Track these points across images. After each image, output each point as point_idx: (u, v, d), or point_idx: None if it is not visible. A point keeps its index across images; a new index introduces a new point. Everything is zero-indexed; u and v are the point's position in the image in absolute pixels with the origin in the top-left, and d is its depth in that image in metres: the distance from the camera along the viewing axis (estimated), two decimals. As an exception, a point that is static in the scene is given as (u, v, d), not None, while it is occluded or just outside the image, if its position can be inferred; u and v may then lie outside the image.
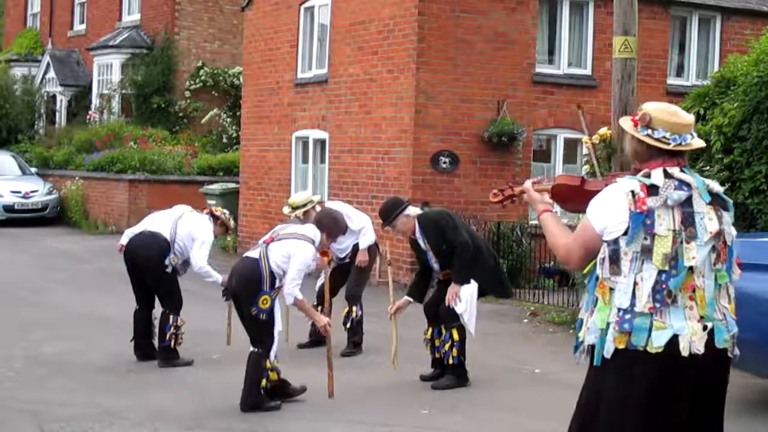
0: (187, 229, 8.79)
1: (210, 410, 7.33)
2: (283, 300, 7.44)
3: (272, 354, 7.36)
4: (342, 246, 9.50)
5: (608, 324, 3.83)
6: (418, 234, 8.32)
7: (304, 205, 9.62)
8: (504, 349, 10.11)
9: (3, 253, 17.45)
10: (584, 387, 4.03)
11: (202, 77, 25.07)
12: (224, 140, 24.01)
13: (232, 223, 9.33)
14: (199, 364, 8.85)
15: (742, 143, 10.33)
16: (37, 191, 22.71)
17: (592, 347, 3.91)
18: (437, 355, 8.36)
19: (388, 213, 8.32)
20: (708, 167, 10.51)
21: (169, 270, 8.74)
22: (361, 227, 9.60)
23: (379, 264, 12.44)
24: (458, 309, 8.11)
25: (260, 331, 7.28)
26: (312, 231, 7.55)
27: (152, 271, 8.73)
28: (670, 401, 3.80)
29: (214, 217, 9.07)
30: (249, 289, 7.23)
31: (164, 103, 24.82)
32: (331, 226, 7.72)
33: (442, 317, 8.22)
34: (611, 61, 11.47)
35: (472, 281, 8.17)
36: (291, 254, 7.29)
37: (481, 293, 8.31)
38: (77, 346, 9.58)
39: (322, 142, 16.56)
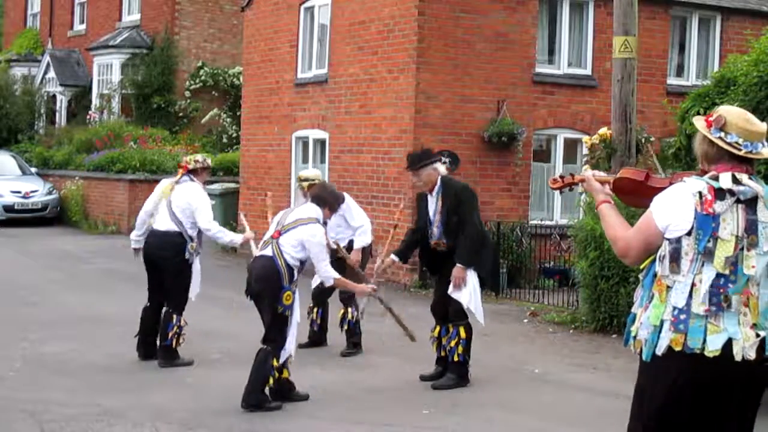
0: (182, 205, 8.76)
1: (210, 410, 7.33)
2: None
3: (286, 352, 7.41)
4: (338, 238, 9.50)
5: (662, 321, 3.86)
6: (435, 192, 8.20)
7: (314, 180, 9.62)
8: (504, 349, 10.11)
9: (3, 253, 17.45)
10: (637, 383, 4.05)
11: (202, 77, 25.08)
12: (224, 140, 24.02)
13: (208, 161, 9.24)
14: (199, 364, 8.85)
15: (742, 143, 10.32)
16: (37, 191, 22.71)
17: (644, 342, 3.93)
18: (443, 353, 8.35)
19: (418, 160, 8.21)
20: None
21: (191, 261, 8.72)
22: (360, 225, 9.59)
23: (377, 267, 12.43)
24: (463, 300, 8.07)
25: (280, 327, 7.32)
26: (313, 210, 7.58)
27: (168, 270, 8.71)
28: (718, 403, 3.84)
29: (193, 172, 9.01)
30: (271, 288, 7.27)
31: (164, 103, 24.83)
32: (330, 199, 7.75)
33: (450, 315, 8.20)
34: (611, 61, 11.49)
35: (472, 272, 8.13)
36: (303, 241, 7.33)
37: (481, 282, 8.26)
38: (77, 346, 9.58)
39: (322, 142, 16.56)
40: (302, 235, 7.35)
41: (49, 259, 16.94)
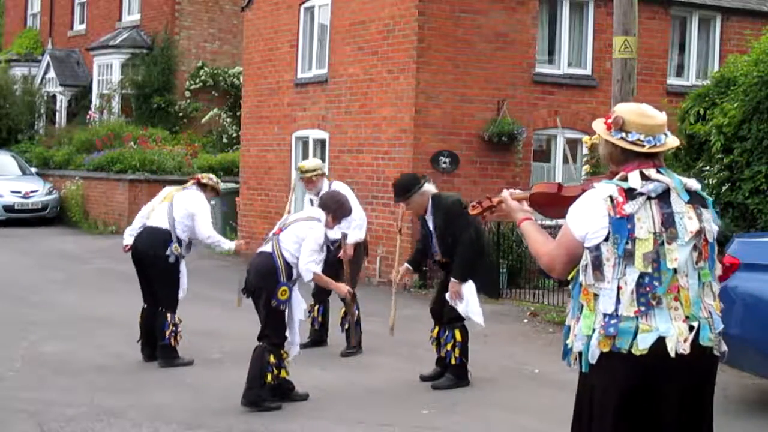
0: (182, 209, 8.83)
1: (210, 410, 7.33)
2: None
3: (294, 346, 7.52)
4: (332, 229, 9.49)
5: (594, 330, 3.82)
6: (429, 213, 8.24)
7: (314, 170, 9.64)
8: (504, 349, 10.10)
9: (3, 253, 17.45)
10: (576, 394, 4.03)
11: (202, 77, 25.08)
12: (224, 140, 24.02)
13: (220, 184, 9.35)
14: (199, 364, 8.85)
15: (742, 143, 10.33)
16: (37, 191, 22.71)
17: (580, 354, 3.89)
18: (442, 354, 8.36)
19: (405, 188, 8.20)
20: (708, 167, 10.51)
21: (171, 260, 8.74)
22: (355, 220, 9.54)
23: (379, 267, 12.44)
24: (459, 309, 8.11)
25: (276, 324, 7.34)
26: (317, 212, 7.66)
27: (155, 266, 8.74)
28: (654, 402, 3.79)
29: (203, 186, 9.10)
30: (268, 282, 7.32)
31: (164, 103, 24.83)
32: (336, 208, 7.80)
33: (445, 317, 8.22)
34: (611, 61, 11.48)
35: (469, 282, 8.16)
36: (301, 237, 7.38)
37: (477, 290, 8.29)
38: (77, 346, 9.58)
39: (322, 142, 16.56)
40: (300, 231, 7.40)
41: (49, 259, 16.94)
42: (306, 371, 8.20)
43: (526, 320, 11.88)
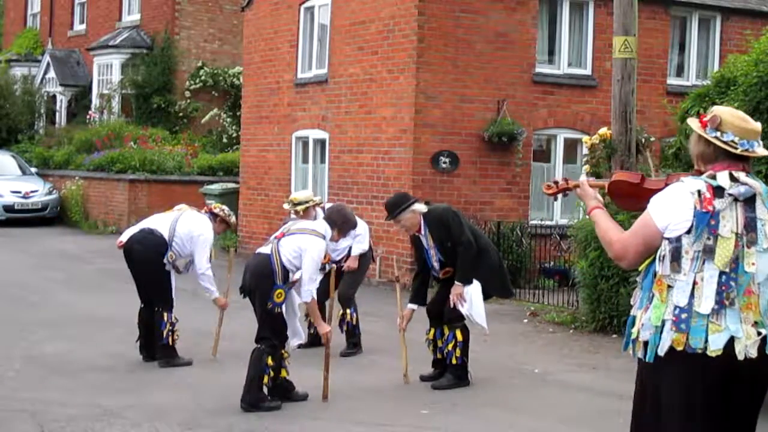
0: (187, 227, 8.80)
1: (210, 410, 7.33)
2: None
3: (297, 337, 7.60)
4: (339, 248, 9.52)
5: (664, 321, 3.84)
6: (422, 231, 8.25)
7: (306, 203, 9.65)
8: (504, 349, 10.10)
9: (3, 253, 17.45)
10: (638, 384, 4.03)
11: (202, 77, 25.07)
12: (224, 140, 24.02)
13: (232, 219, 9.30)
14: (199, 364, 8.85)
15: (742, 143, 10.31)
16: (37, 191, 22.71)
17: (646, 344, 3.90)
18: (439, 356, 8.36)
19: (394, 207, 8.23)
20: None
21: (167, 267, 8.74)
22: (359, 234, 9.58)
23: (379, 267, 12.44)
24: (463, 311, 8.10)
25: (273, 325, 7.35)
26: (322, 226, 7.66)
27: (147, 268, 8.74)
28: (721, 403, 3.82)
29: (214, 215, 9.07)
30: (264, 284, 7.32)
31: (164, 103, 24.83)
32: (342, 221, 7.84)
33: (446, 317, 8.21)
34: (611, 61, 11.48)
35: (475, 281, 8.16)
36: (302, 249, 7.36)
37: (486, 295, 8.28)
38: (77, 346, 9.58)
39: (322, 142, 16.56)
40: (302, 244, 7.38)
41: (49, 259, 16.94)
42: (306, 371, 8.19)
43: (526, 320, 11.88)
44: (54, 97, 28.25)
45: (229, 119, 24.12)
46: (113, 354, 9.20)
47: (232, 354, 9.14)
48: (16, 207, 22.31)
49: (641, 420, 4.01)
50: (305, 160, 17.09)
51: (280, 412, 7.30)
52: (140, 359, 8.92)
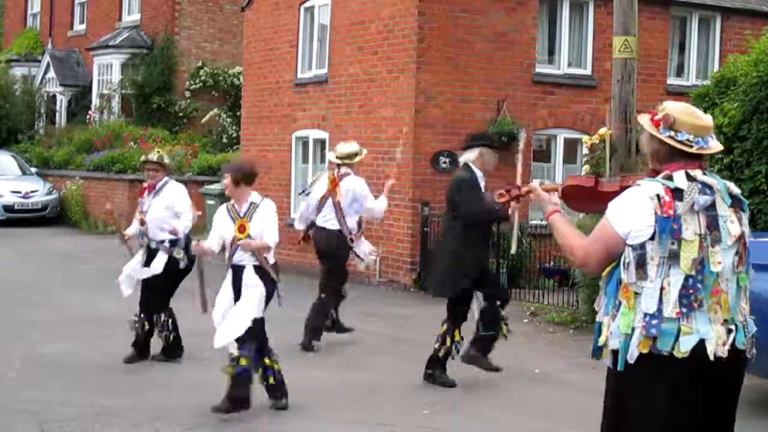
0: (168, 207, 8.87)
1: (210, 410, 7.32)
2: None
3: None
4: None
5: (633, 329, 3.79)
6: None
7: (356, 155, 9.91)
8: (504, 349, 10.07)
9: (3, 253, 17.45)
10: (607, 392, 4.01)
11: (202, 77, 25.07)
12: (224, 140, 24.02)
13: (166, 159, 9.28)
14: (199, 364, 8.85)
15: (742, 143, 10.33)
16: (37, 191, 22.71)
17: (615, 352, 3.86)
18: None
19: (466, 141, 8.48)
20: (708, 167, 10.50)
21: (182, 265, 8.76)
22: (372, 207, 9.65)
23: (379, 267, 12.38)
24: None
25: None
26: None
27: (166, 273, 8.79)
28: (695, 403, 3.79)
29: (162, 167, 9.08)
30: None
31: (164, 103, 24.83)
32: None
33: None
34: (611, 61, 11.48)
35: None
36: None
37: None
38: (77, 346, 9.58)
39: (322, 142, 16.55)
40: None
41: (49, 259, 16.94)
42: (306, 371, 8.20)
43: (526, 320, 11.88)
44: (54, 97, 28.25)
45: (229, 119, 24.12)
46: (113, 354, 9.19)
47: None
48: (16, 207, 22.32)
49: (611, 428, 3.98)
50: (305, 160, 17.08)
51: (280, 411, 7.30)
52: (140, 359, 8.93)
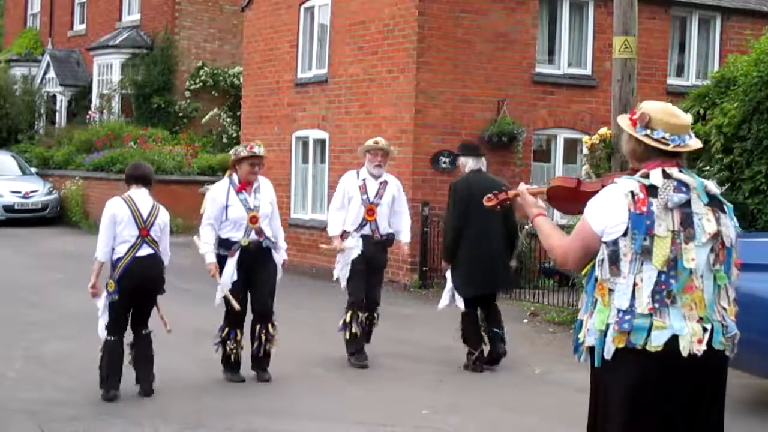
0: (271, 203, 8.66)
1: (210, 410, 7.33)
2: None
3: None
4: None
5: (608, 325, 3.82)
6: None
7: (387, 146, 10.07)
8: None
9: (3, 253, 17.45)
10: (591, 388, 4.04)
11: (202, 77, 25.08)
12: (224, 140, 24.02)
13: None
14: (199, 364, 8.85)
15: (742, 143, 10.33)
16: (37, 191, 22.71)
17: (592, 349, 3.90)
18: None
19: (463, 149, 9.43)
20: (708, 167, 10.51)
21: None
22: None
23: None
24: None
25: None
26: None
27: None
28: (666, 400, 3.80)
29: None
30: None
31: (164, 103, 24.83)
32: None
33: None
34: (611, 61, 11.47)
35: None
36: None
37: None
38: (77, 346, 9.56)
39: (322, 142, 16.56)
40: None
41: (49, 259, 16.94)
42: (306, 371, 8.20)
43: (526, 320, 11.88)
44: (54, 97, 28.25)
45: (229, 119, 24.13)
46: (113, 354, 9.17)
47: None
48: (16, 207, 22.32)
49: (593, 420, 4.01)
50: (305, 160, 17.08)
51: (279, 412, 7.30)
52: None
